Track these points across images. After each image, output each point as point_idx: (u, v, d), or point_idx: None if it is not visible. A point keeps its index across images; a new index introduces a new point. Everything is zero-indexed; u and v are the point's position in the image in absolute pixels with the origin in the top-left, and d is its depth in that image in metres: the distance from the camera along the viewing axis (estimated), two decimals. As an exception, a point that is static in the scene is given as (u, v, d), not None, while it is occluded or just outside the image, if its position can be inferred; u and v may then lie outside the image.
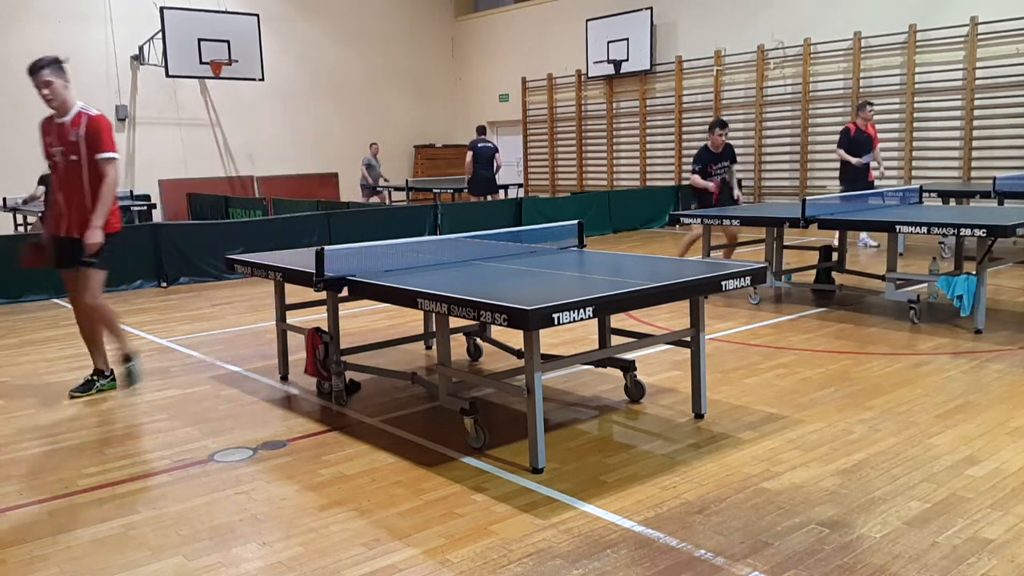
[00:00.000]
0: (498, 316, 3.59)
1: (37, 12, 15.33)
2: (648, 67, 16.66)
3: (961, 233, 6.18)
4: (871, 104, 10.70)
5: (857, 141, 10.45)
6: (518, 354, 5.34)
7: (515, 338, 4.81)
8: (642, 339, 4.81)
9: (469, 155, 13.95)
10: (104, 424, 4.79)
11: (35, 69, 5.00)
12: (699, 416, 4.56)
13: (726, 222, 8.07)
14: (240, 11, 16.58)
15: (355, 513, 3.49)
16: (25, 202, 12.59)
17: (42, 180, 11.58)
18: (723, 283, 4.25)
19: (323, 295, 4.86)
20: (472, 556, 3.08)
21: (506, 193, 15.49)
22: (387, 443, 4.31)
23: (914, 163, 13.39)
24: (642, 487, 3.66)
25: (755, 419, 4.49)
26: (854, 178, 10.28)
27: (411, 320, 7.04)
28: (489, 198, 14.06)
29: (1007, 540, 3.08)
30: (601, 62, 17.29)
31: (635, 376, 4.90)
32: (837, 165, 14.42)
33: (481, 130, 14.79)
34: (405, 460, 4.06)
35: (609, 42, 17.09)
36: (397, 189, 16.69)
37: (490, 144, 14.29)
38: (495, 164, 14.12)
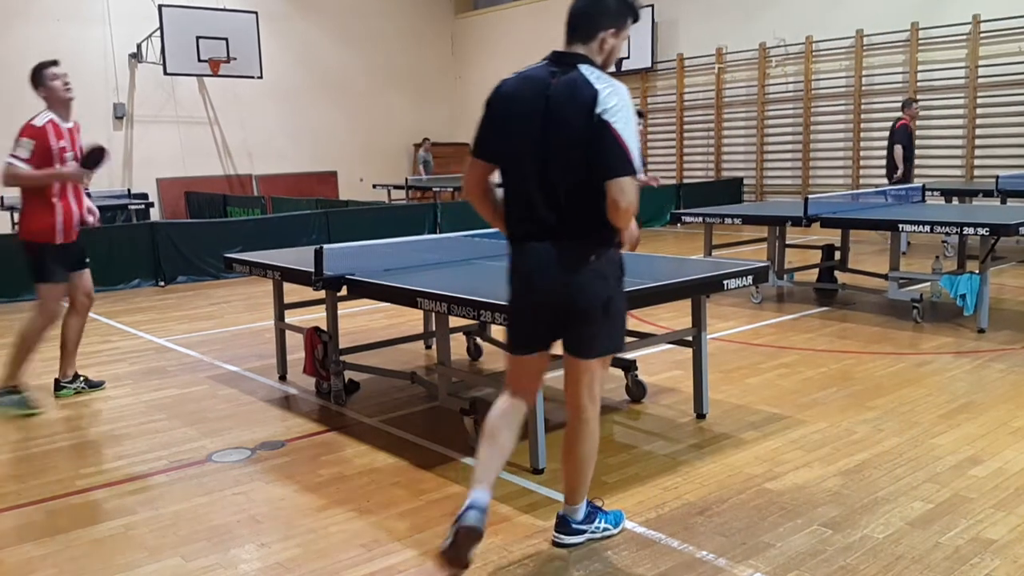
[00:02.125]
0: (498, 315, 3.56)
1: (36, 11, 15.29)
2: (649, 65, 16.63)
3: (964, 232, 6.16)
4: (917, 100, 10.84)
5: (910, 138, 10.59)
6: (518, 353, 5.31)
7: (515, 337, 4.78)
8: (643, 338, 4.79)
9: None
10: (102, 424, 4.76)
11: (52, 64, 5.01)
12: (701, 416, 4.53)
13: None
14: (238, 8, 16.54)
15: (354, 514, 3.46)
16: None
17: None
18: (725, 282, 4.23)
19: (322, 294, 4.84)
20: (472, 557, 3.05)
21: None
22: (386, 443, 4.29)
23: (917, 161, 13.35)
24: (643, 488, 3.63)
25: (757, 419, 4.47)
26: (910, 175, 10.42)
27: (411, 320, 7.02)
28: None
29: (1010, 540, 3.06)
30: (602, 60, 17.24)
31: (636, 376, 4.87)
32: (839, 163, 14.48)
33: None
34: (404, 460, 4.04)
35: (610, 40, 17.04)
36: (396, 188, 16.67)
37: None
38: None
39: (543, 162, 2.77)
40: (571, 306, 2.84)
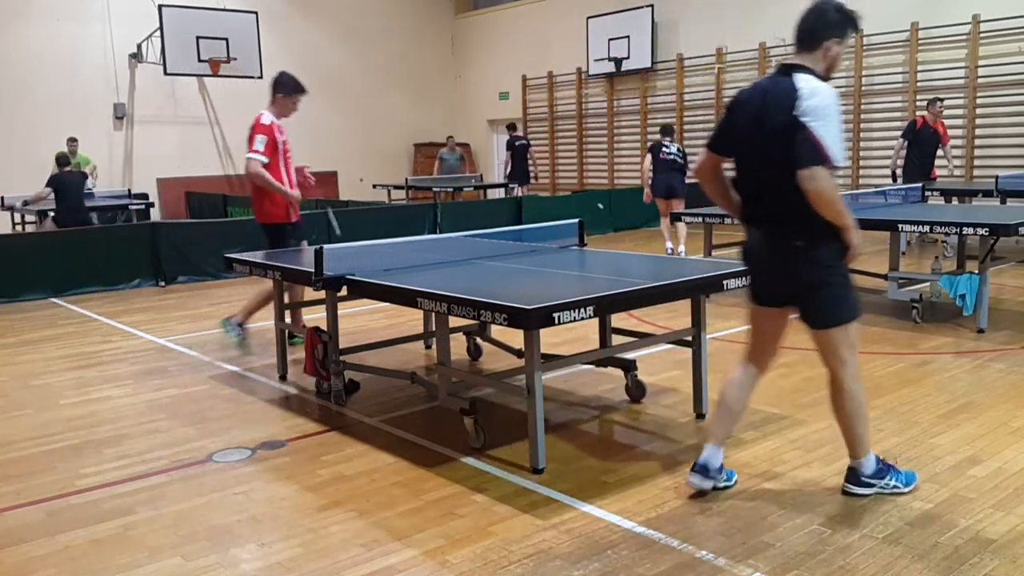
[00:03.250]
0: (498, 315, 3.57)
1: (36, 10, 15.26)
2: (649, 65, 16.62)
3: (963, 232, 6.16)
4: (941, 100, 10.89)
5: (922, 135, 10.67)
6: (518, 354, 5.32)
7: (515, 338, 4.78)
8: (643, 338, 4.79)
9: (507, 154, 15.83)
10: (102, 424, 4.77)
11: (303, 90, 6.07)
12: (701, 416, 4.54)
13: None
14: (238, 8, 16.53)
15: (354, 514, 3.47)
16: (27, 203, 12.17)
17: (52, 181, 11.20)
18: (725, 282, 4.24)
19: (322, 294, 4.84)
20: (472, 557, 3.06)
21: (507, 192, 15.57)
22: (386, 443, 4.29)
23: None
24: (643, 487, 3.64)
25: (757, 419, 4.47)
26: (917, 173, 10.43)
27: (411, 320, 7.02)
28: (525, 189, 16.00)
29: (1009, 540, 3.07)
30: (602, 60, 17.24)
31: (636, 376, 4.87)
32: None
33: (512, 127, 16.56)
34: (405, 460, 4.04)
35: (610, 40, 17.04)
36: (396, 188, 16.66)
37: (524, 141, 16.13)
38: (528, 157, 15.98)
39: (755, 158, 3.26)
40: (781, 285, 3.35)
